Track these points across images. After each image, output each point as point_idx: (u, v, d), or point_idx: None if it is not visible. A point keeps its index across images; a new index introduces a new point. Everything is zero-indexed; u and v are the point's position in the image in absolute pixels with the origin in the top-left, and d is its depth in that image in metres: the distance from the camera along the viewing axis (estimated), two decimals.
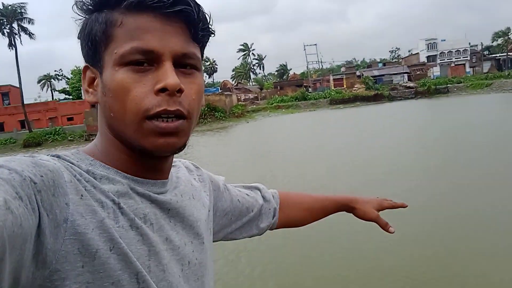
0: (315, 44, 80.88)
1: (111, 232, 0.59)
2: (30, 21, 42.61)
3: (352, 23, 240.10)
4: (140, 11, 0.63)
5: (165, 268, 0.66)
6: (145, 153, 0.66)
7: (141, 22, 0.63)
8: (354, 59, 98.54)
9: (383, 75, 61.07)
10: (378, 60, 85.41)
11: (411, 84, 52.90)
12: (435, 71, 63.68)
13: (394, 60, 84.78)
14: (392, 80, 58.03)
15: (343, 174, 10.81)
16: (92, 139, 0.70)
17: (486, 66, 64.80)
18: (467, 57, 66.56)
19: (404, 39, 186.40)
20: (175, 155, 0.73)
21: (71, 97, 61.93)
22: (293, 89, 57.97)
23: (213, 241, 0.93)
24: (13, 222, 0.45)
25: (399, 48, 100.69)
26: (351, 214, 1.18)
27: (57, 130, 40.26)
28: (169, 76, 0.62)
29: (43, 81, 74.51)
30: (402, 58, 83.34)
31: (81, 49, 0.69)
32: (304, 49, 71.45)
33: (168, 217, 0.71)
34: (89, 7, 0.67)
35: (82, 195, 0.58)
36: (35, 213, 0.50)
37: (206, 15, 0.68)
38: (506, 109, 26.23)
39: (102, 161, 0.67)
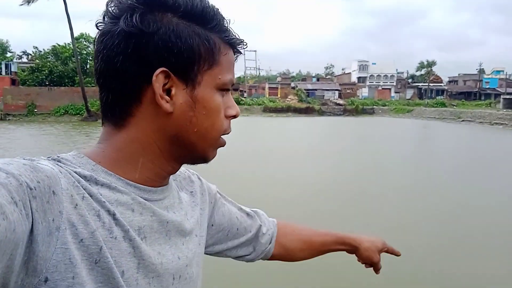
0: (255, 51, 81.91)
1: (100, 244, 0.59)
2: None
3: (286, 37, 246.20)
4: (231, 47, 0.72)
5: (150, 282, 0.66)
6: (198, 161, 0.75)
7: (232, 57, 0.72)
8: (288, 70, 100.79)
9: (316, 89, 63.17)
10: (313, 75, 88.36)
11: (341, 102, 55.29)
12: (364, 92, 67.05)
13: (327, 77, 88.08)
14: (324, 96, 60.23)
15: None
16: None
17: (409, 93, 69.45)
18: (393, 82, 70.88)
19: (325, 57, 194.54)
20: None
21: None
22: None
23: (205, 254, 0.92)
24: (7, 227, 0.45)
25: (333, 66, 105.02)
26: (353, 254, 1.15)
27: None
28: (236, 105, 0.74)
29: None
30: (335, 76, 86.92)
31: (158, 49, 0.63)
32: (244, 54, 71.27)
33: (165, 230, 0.71)
34: (179, 11, 0.65)
35: (76, 204, 0.58)
36: (28, 219, 0.50)
37: None
38: (419, 131, 28.42)
39: (105, 167, 0.66)
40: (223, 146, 0.75)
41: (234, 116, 0.74)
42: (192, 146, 0.70)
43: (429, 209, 8.45)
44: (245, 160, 14.02)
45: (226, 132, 0.73)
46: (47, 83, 41.21)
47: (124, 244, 0.63)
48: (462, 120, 40.55)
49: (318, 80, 75.28)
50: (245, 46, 0.75)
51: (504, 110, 43.06)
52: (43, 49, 46.72)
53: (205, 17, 0.66)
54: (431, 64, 70.69)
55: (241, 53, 0.75)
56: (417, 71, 77.62)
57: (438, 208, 8.52)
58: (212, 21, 0.67)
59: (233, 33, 0.72)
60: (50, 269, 0.53)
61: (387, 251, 1.20)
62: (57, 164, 0.61)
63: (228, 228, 0.96)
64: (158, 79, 0.64)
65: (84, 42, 43.59)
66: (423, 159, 16.08)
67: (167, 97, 0.65)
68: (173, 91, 0.65)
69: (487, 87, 68.97)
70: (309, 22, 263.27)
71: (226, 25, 0.70)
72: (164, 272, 0.69)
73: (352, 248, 1.13)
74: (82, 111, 36.16)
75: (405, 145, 20.97)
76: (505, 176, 12.22)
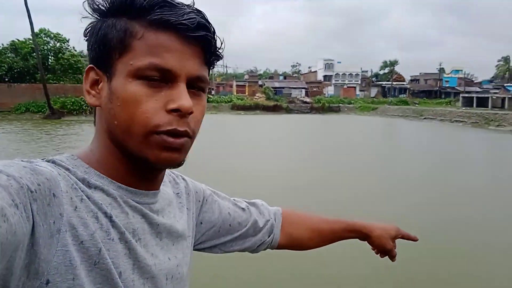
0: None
1: (100, 246, 0.60)
2: None
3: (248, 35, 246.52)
4: (161, 29, 0.63)
5: (145, 282, 0.68)
6: (144, 164, 0.67)
7: (162, 40, 0.63)
8: (255, 67, 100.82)
9: (283, 87, 63.69)
10: (280, 73, 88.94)
11: (308, 100, 55.92)
12: (330, 90, 67.98)
13: (294, 75, 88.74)
14: (291, 94, 60.78)
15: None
16: None
17: (374, 91, 70.98)
18: (358, 81, 72.24)
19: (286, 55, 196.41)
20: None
21: None
22: None
23: (199, 250, 0.95)
24: (7, 229, 0.45)
25: (300, 64, 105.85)
26: (366, 242, 1.12)
27: None
28: (184, 98, 0.63)
29: None
30: (301, 74, 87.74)
31: (88, 49, 0.68)
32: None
33: (156, 232, 0.72)
34: (104, 10, 0.66)
35: (76, 207, 0.59)
36: (29, 221, 0.50)
37: (219, 40, 0.69)
38: (385, 128, 29.07)
39: (96, 169, 0.66)
40: (170, 146, 0.64)
41: (178, 111, 0.63)
42: (122, 143, 0.66)
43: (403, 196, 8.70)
44: (214, 155, 13.97)
45: (163, 128, 0.63)
46: (6, 79, 39.58)
47: (120, 246, 0.64)
48: (424, 118, 41.74)
49: (285, 78, 75.73)
50: (190, 19, 0.63)
51: (463, 108, 44.76)
52: (2, 44, 44.70)
53: (120, 6, 0.65)
54: (393, 63, 72.39)
55: (190, 32, 0.63)
56: (380, 70, 79.31)
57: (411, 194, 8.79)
58: (131, 7, 0.64)
59: (168, 11, 0.63)
60: (51, 271, 0.54)
61: (402, 238, 1.16)
62: (55, 167, 0.61)
63: (219, 225, 0.96)
64: (87, 76, 0.68)
65: (45, 38, 41.95)
66: (392, 154, 16.48)
67: (93, 92, 0.67)
68: (100, 85, 0.67)
69: (447, 85, 71.44)
70: (273, 21, 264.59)
71: (154, 5, 0.63)
72: (158, 273, 0.70)
73: (362, 235, 1.11)
74: (44, 109, 34.86)
75: (374, 140, 21.46)
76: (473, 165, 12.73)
